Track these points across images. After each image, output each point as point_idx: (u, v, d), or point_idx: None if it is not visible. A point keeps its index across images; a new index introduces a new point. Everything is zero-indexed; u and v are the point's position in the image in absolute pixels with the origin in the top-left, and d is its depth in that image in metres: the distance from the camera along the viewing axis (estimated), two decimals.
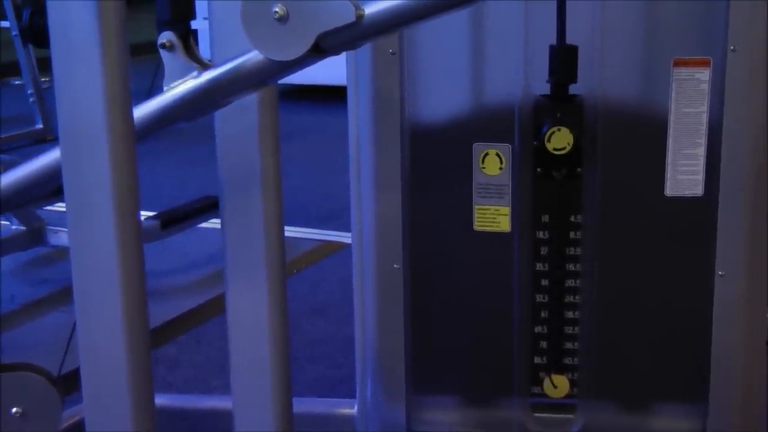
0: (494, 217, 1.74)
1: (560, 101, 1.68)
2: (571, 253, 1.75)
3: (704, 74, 1.66)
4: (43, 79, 5.58)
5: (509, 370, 1.82)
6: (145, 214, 3.27)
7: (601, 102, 1.68)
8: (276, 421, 1.38)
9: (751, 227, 1.70)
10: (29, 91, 5.57)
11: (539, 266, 1.76)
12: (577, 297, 1.77)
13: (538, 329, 1.80)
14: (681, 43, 1.66)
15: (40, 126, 5.61)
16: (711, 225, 1.69)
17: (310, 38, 1.05)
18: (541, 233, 1.75)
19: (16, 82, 5.80)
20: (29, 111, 5.63)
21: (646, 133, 1.70)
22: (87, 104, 1.07)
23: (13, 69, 6.03)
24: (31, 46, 5.42)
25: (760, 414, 1.79)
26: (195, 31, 1.30)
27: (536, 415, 1.84)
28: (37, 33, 5.20)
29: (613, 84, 1.68)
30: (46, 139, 5.51)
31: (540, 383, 1.81)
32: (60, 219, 3.37)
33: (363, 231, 1.80)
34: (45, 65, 5.39)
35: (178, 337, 2.87)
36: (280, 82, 1.24)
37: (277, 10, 1.05)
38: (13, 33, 5.39)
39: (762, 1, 1.58)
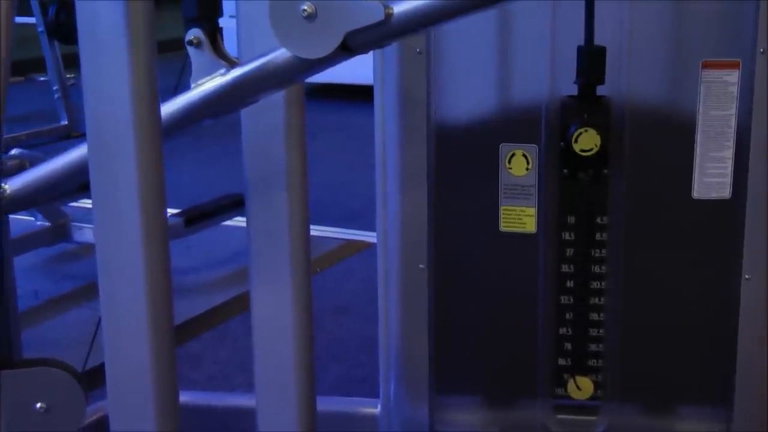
0: (520, 217, 1.74)
1: (587, 102, 1.67)
2: (596, 254, 1.74)
3: (733, 76, 1.64)
4: (68, 76, 5.61)
5: (533, 371, 1.81)
6: (169, 211, 3.28)
7: (629, 104, 1.68)
8: (299, 419, 1.38)
9: None
10: (54, 88, 5.61)
11: (564, 267, 1.76)
12: (602, 299, 1.76)
13: (562, 330, 1.79)
14: (710, 44, 1.65)
15: (65, 122, 5.64)
16: (738, 228, 1.68)
17: (338, 37, 1.05)
18: (566, 234, 1.74)
19: (42, 79, 5.83)
20: (54, 107, 5.66)
21: (674, 135, 1.69)
22: (114, 101, 1.07)
23: (39, 65, 6.07)
24: (56, 43, 5.45)
25: None
26: (221, 29, 1.30)
27: (559, 416, 1.83)
28: (62, 29, 5.24)
29: (641, 86, 1.67)
30: (71, 135, 5.54)
31: (564, 385, 1.81)
32: (84, 215, 3.39)
33: (388, 230, 1.80)
34: (70, 61, 5.43)
35: (201, 335, 2.88)
36: (307, 80, 1.24)
37: (305, 8, 1.05)
38: (39, 29, 5.42)
39: None
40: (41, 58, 5.61)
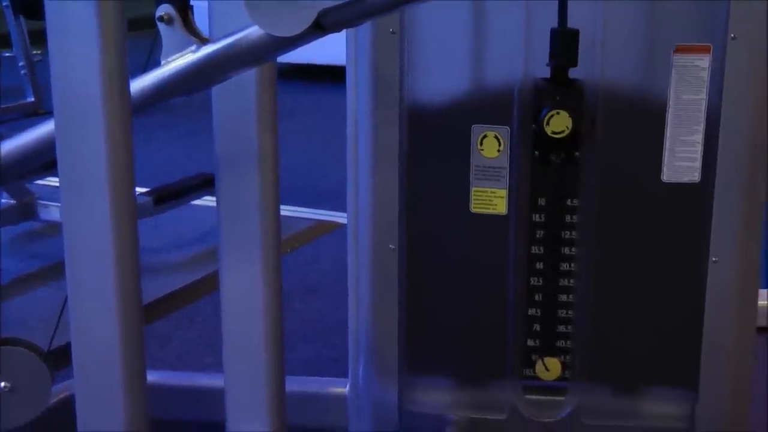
0: (491, 199, 1.74)
1: (560, 85, 1.67)
2: (566, 236, 1.75)
3: (704, 61, 1.65)
4: (34, 52, 5.54)
5: (502, 352, 1.81)
6: (138, 190, 3.26)
7: (601, 87, 1.68)
8: (268, 399, 1.37)
9: (745, 214, 1.69)
10: (20, 64, 5.54)
11: (534, 249, 1.76)
12: (571, 281, 1.77)
13: (531, 312, 1.79)
14: (682, 29, 1.65)
15: (32, 99, 5.57)
16: (707, 211, 1.69)
17: (312, 15, 1.04)
18: (537, 216, 1.74)
19: (7, 55, 5.76)
20: (20, 84, 5.59)
21: (645, 118, 1.69)
22: (83, 78, 1.06)
23: (4, 41, 6.00)
24: (22, 18, 5.38)
25: (749, 399, 1.79)
26: (191, 6, 1.29)
27: (528, 397, 1.83)
28: (28, 4, 5.18)
29: (614, 69, 1.67)
30: (38, 112, 5.48)
31: (532, 366, 1.81)
32: (51, 193, 3.36)
33: (359, 211, 1.79)
34: (36, 37, 5.37)
35: (170, 314, 2.87)
36: (279, 60, 1.23)
37: None
38: (4, 4, 5.35)
39: None
40: (6, 33, 5.54)
